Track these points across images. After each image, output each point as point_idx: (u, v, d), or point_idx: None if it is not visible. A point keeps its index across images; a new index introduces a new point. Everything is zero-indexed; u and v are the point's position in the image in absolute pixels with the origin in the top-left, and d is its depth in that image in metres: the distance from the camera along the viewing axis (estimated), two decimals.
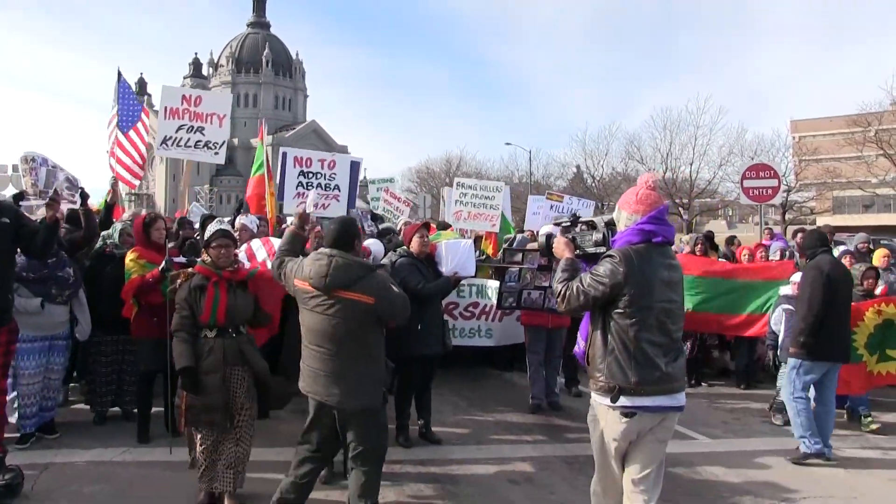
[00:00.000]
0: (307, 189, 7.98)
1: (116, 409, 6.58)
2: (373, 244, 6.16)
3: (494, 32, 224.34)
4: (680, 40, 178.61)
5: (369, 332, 4.01)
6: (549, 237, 4.12)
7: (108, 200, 7.63)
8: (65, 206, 6.32)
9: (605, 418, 3.55)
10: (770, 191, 12.55)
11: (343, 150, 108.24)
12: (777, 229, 28.60)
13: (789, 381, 6.22)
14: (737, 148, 41.50)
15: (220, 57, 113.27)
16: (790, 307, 6.93)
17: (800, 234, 10.74)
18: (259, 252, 5.44)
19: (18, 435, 5.67)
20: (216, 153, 7.99)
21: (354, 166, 8.39)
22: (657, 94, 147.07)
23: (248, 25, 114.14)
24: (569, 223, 4.05)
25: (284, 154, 8.18)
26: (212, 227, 4.67)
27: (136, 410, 6.19)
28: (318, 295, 3.90)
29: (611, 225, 3.81)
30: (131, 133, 8.70)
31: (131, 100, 9.07)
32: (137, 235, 5.94)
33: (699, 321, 8.45)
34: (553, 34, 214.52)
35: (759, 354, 9.30)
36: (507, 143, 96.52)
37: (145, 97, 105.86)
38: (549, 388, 7.62)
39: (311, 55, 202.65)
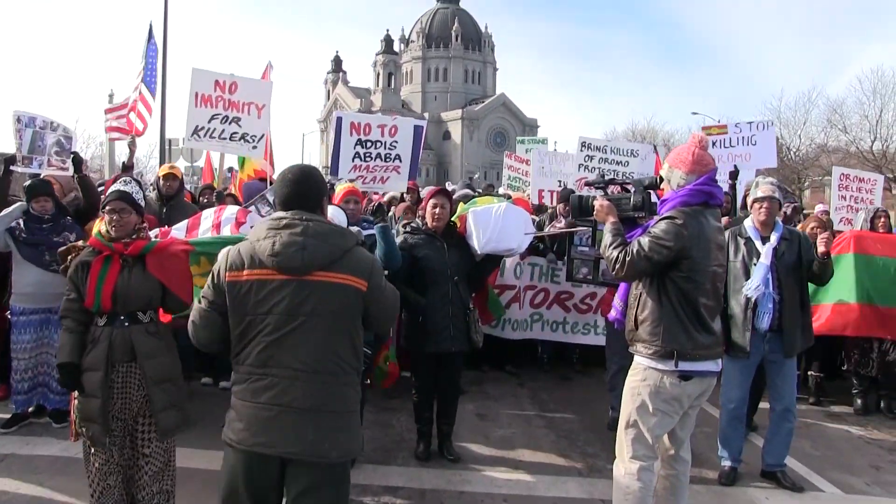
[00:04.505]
0: (364, 161, 6.68)
1: None
2: (335, 213, 4.36)
3: None
4: None
5: (356, 334, 2.70)
6: (582, 199, 4.01)
7: (125, 163, 7.20)
8: (56, 173, 5.88)
9: (660, 384, 3.44)
10: None
11: (532, 123, 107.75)
12: None
13: None
14: None
15: (410, 33, 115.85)
16: None
17: None
18: (206, 221, 4.29)
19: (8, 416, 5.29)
20: (254, 147, 6.93)
21: (418, 131, 6.92)
22: (866, 55, 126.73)
23: (437, 0, 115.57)
24: (602, 185, 3.96)
25: (339, 119, 6.81)
26: (112, 188, 3.64)
27: None
28: (286, 283, 2.54)
29: (650, 188, 3.73)
30: (146, 93, 8.23)
31: (154, 62, 8.63)
32: None
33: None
34: None
35: None
36: (694, 113, 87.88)
37: (340, 74, 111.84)
38: None
39: (499, 28, 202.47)
